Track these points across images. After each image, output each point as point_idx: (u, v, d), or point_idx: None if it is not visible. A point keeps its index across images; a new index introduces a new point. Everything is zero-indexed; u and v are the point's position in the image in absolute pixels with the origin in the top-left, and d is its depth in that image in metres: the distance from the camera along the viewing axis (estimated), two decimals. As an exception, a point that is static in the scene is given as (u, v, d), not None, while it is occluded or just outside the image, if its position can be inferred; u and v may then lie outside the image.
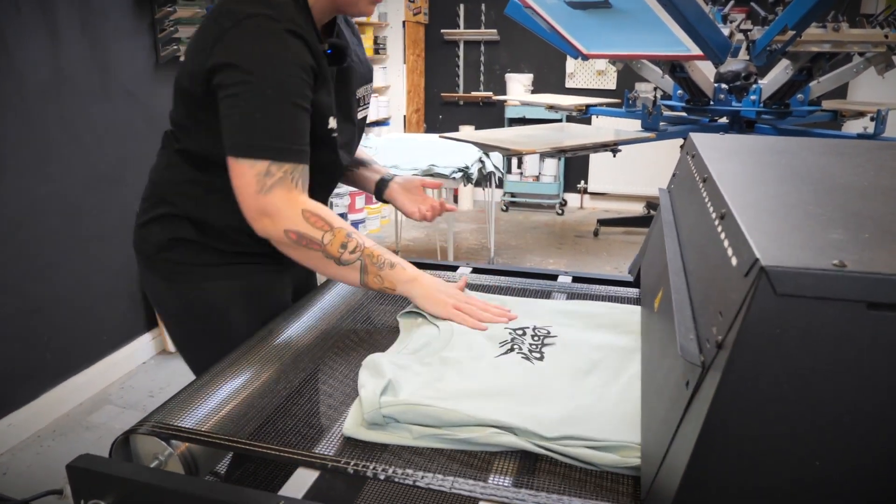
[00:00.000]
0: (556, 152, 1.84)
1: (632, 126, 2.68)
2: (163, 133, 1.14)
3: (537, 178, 5.41)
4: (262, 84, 0.92)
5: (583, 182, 5.49)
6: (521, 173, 5.42)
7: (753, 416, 0.45)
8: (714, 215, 0.65)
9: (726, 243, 0.56)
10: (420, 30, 5.45)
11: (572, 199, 5.59)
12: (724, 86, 2.38)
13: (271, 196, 0.93)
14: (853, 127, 3.07)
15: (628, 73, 5.00)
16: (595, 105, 3.26)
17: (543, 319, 0.90)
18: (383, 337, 0.96)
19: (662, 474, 0.52)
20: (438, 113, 5.60)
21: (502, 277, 1.22)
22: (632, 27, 2.02)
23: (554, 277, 1.22)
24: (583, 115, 3.32)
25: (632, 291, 1.14)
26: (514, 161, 5.39)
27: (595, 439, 0.61)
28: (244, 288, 1.13)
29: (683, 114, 2.61)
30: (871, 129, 2.09)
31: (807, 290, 0.44)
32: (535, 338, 0.84)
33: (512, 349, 0.80)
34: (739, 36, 1.96)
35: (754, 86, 2.37)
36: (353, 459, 0.64)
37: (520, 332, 0.86)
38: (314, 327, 0.99)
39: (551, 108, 3.48)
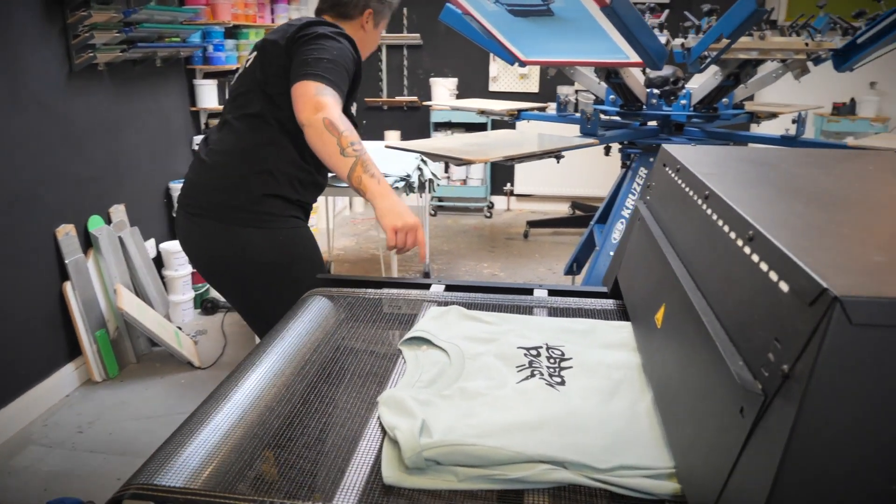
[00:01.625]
0: (507, 160, 1.84)
1: (558, 130, 2.73)
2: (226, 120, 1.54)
3: (464, 181, 5.43)
4: (334, 46, 1.41)
5: (509, 184, 5.56)
6: (448, 177, 5.43)
7: (835, 448, 0.44)
8: (734, 236, 0.65)
9: (765, 267, 0.56)
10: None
11: (499, 201, 5.65)
12: (655, 91, 2.45)
13: (324, 96, 1.33)
14: (769, 128, 3.25)
15: (553, 76, 5.10)
16: (527, 110, 3.29)
17: (553, 338, 0.89)
18: (367, 365, 0.92)
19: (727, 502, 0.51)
20: (362, 118, 5.52)
21: (477, 294, 1.20)
22: (572, 35, 2.05)
23: (530, 292, 1.21)
24: (514, 119, 3.35)
25: (608, 303, 1.14)
26: (441, 165, 5.39)
27: (647, 467, 0.60)
28: (305, 229, 1.57)
29: (616, 118, 2.68)
30: (792, 131, 2.20)
31: (881, 318, 0.44)
32: (551, 360, 0.82)
33: (532, 374, 0.78)
34: (675, 43, 2.02)
35: (684, 90, 2.46)
36: (381, 509, 0.60)
37: (534, 352, 0.84)
38: (292, 360, 0.94)
39: (482, 112, 3.49)
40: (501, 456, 0.60)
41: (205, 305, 3.33)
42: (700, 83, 2.44)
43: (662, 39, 1.98)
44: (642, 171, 2.65)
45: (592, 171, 5.17)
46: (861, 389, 0.44)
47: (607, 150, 3.22)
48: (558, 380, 0.76)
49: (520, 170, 5.44)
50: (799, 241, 0.56)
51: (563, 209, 5.49)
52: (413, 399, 0.70)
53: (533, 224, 4.85)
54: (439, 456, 0.60)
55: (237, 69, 1.70)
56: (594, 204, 5.24)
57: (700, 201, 0.79)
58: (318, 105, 1.31)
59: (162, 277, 3.16)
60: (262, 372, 0.88)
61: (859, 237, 0.58)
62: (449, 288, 1.24)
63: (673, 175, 0.96)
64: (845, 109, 4.41)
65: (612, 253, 2.67)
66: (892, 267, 0.51)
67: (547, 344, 0.86)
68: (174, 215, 2.99)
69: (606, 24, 1.85)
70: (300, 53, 1.40)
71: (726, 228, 0.68)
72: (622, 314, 1.07)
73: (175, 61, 3.25)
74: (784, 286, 0.52)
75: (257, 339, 2.20)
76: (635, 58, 1.99)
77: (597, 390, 0.74)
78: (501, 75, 5.33)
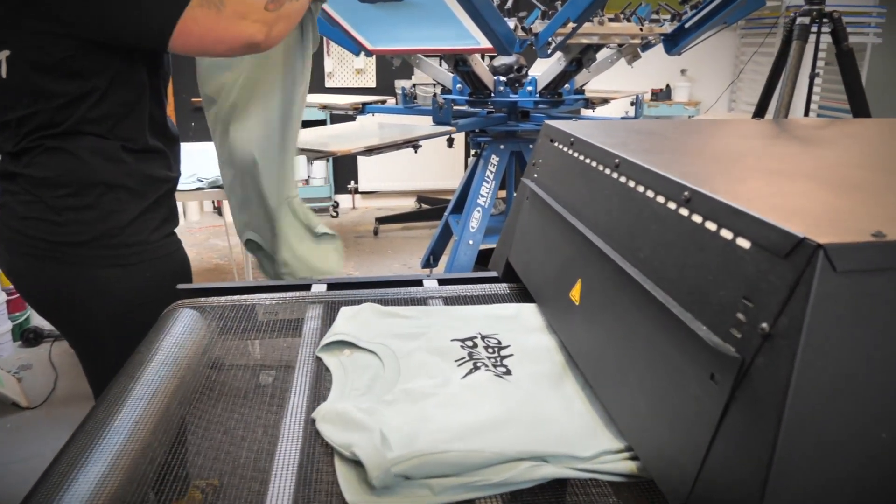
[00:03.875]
0: (367, 151, 1.76)
1: (403, 122, 2.70)
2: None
3: (307, 181, 5.25)
4: None
5: (353, 182, 5.45)
6: (290, 178, 5.21)
7: (833, 404, 0.42)
8: (663, 200, 0.63)
9: (712, 226, 0.54)
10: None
11: (344, 200, 5.53)
12: (502, 78, 2.49)
13: (227, 8, 0.97)
14: (604, 112, 3.44)
15: (387, 71, 5.07)
16: (371, 103, 3.22)
17: (485, 326, 0.82)
18: (260, 379, 0.81)
19: (711, 475, 0.48)
20: (190, 120, 5.14)
21: (363, 291, 1.11)
22: (422, 21, 2.01)
23: (419, 283, 1.15)
24: (357, 113, 3.27)
25: (502, 287, 1.11)
26: (281, 166, 5.16)
27: (629, 448, 0.57)
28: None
29: (465, 107, 2.69)
30: (631, 113, 2.33)
31: (863, 263, 0.42)
32: (490, 349, 0.76)
33: (476, 366, 0.71)
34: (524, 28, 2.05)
35: (528, 77, 2.52)
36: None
37: (469, 343, 0.77)
38: (168, 383, 0.80)
39: (324, 108, 3.38)
40: (480, 459, 0.53)
41: (26, 336, 2.90)
42: (542, 70, 2.51)
43: (511, 24, 2.00)
44: (493, 159, 2.69)
45: (436, 164, 5.21)
46: (850, 339, 0.43)
47: (450, 142, 3.23)
48: (503, 369, 0.71)
49: (363, 167, 5.35)
50: (740, 196, 0.54)
51: (409, 204, 5.48)
52: (357, 410, 0.61)
53: (382, 220, 4.79)
54: (410, 469, 0.52)
55: None
56: (440, 196, 5.29)
57: (609, 171, 0.77)
58: (238, 14, 0.99)
59: (-36, 310, 2.71)
60: (135, 401, 0.74)
61: (792, 190, 0.58)
62: (331, 287, 1.14)
63: (565, 149, 0.94)
64: (662, 95, 4.81)
65: (471, 241, 2.69)
66: (849, 213, 0.50)
67: (480, 333, 0.80)
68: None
69: (457, 9, 1.83)
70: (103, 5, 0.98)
71: (650, 194, 0.66)
72: (521, 297, 1.04)
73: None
74: (743, 243, 0.50)
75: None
76: (486, 43, 1.99)
77: (546, 376, 0.70)
78: (337, 71, 5.20)
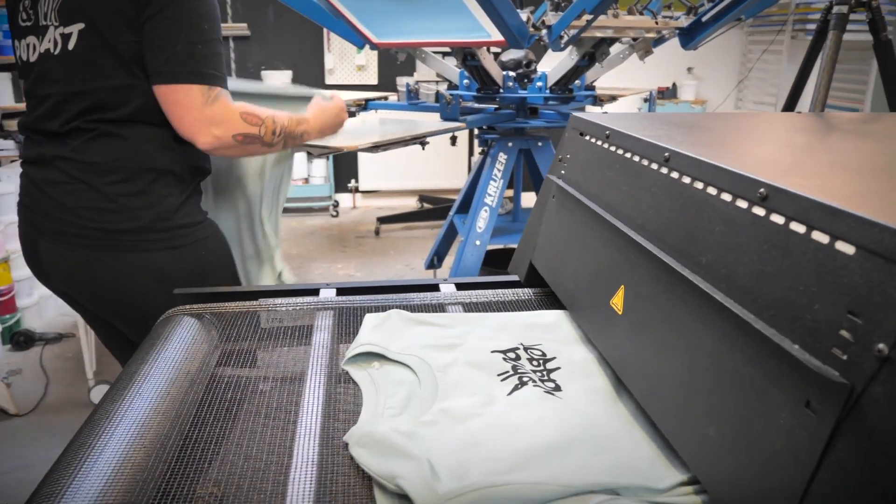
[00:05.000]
0: (373, 147, 1.69)
1: (400, 118, 2.64)
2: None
3: (306, 180, 5.17)
4: (198, 11, 1.07)
5: (353, 181, 5.38)
6: (289, 176, 5.13)
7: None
8: (730, 198, 0.55)
9: (800, 229, 0.46)
10: None
11: (344, 199, 5.45)
12: (511, 74, 2.41)
13: (217, 106, 1.08)
14: (613, 109, 3.37)
15: (388, 68, 4.99)
16: (374, 100, 3.14)
17: (525, 336, 0.75)
18: (272, 395, 0.73)
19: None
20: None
21: (376, 296, 1.04)
22: (431, 13, 1.94)
23: (436, 288, 1.07)
24: (360, 109, 3.20)
25: (526, 292, 1.04)
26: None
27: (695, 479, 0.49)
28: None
29: (473, 104, 2.61)
30: (645, 109, 2.26)
31: None
32: (534, 362, 0.68)
33: (522, 382, 0.63)
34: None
35: (538, 73, 2.44)
36: None
37: (512, 355, 0.69)
38: (167, 397, 0.72)
39: (326, 104, 3.30)
40: (545, 493, 0.46)
41: (16, 339, 2.82)
42: (552, 65, 2.44)
43: (523, 17, 1.92)
44: (502, 157, 2.61)
45: (438, 162, 5.13)
46: None
47: (454, 140, 3.16)
48: (551, 384, 0.63)
49: (364, 165, 5.27)
50: (831, 194, 0.47)
51: (411, 203, 5.40)
52: (397, 433, 0.53)
53: (383, 220, 4.72)
54: None
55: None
56: (443, 196, 5.21)
57: (656, 166, 0.70)
58: (214, 120, 1.08)
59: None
60: (135, 415, 0.66)
61: (885, 188, 0.51)
62: (341, 292, 1.07)
63: (599, 143, 0.87)
64: (669, 93, 4.74)
65: (478, 242, 2.61)
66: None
67: (522, 344, 0.72)
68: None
69: (469, 1, 1.76)
70: (158, 38, 1.06)
71: (711, 191, 0.59)
72: (549, 303, 0.97)
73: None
74: (846, 247, 0.42)
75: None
76: (497, 36, 1.92)
77: (599, 392, 0.62)
78: (338, 67, 5.13)
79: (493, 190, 2.60)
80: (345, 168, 5.31)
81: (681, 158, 0.65)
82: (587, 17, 1.78)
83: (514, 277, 1.09)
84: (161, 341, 0.85)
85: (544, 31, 1.96)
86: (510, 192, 3.21)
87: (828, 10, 1.97)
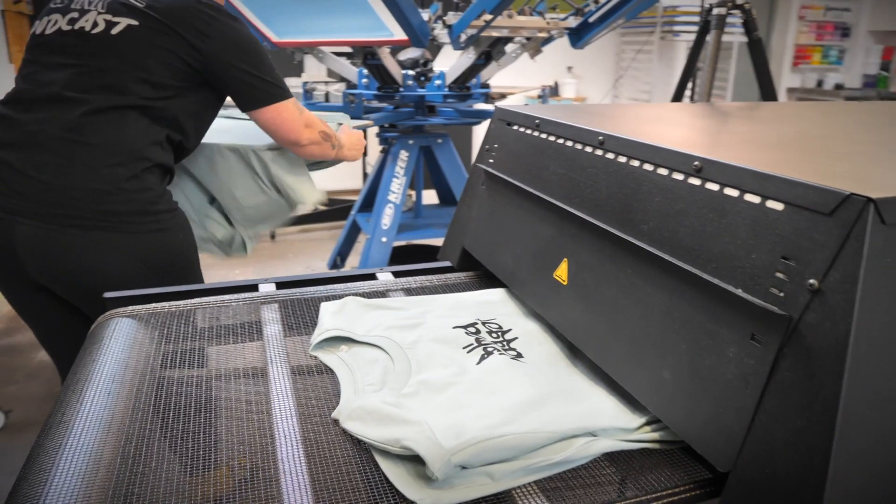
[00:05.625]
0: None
1: None
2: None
3: (193, 185, 4.97)
4: (255, 46, 1.25)
5: (243, 185, 5.22)
6: (175, 183, 4.92)
7: (889, 354, 0.44)
8: (666, 172, 0.63)
9: (733, 193, 0.55)
10: (25, 22, 4.48)
11: (234, 204, 5.28)
12: (410, 72, 2.46)
13: (305, 112, 1.35)
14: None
15: (280, 68, 4.86)
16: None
17: (479, 312, 0.80)
18: (233, 391, 0.74)
19: (761, 436, 0.48)
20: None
21: (317, 287, 1.05)
22: (333, 11, 1.95)
23: (373, 276, 1.10)
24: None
25: (461, 276, 1.09)
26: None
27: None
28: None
29: (374, 102, 2.64)
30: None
31: (907, 216, 0.44)
32: (494, 334, 0.73)
33: (488, 352, 0.68)
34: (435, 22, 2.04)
35: (437, 71, 2.51)
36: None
37: (472, 329, 0.74)
38: (124, 400, 0.71)
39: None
40: (537, 440, 0.51)
41: None
42: (449, 64, 2.52)
43: (425, 16, 1.98)
44: (403, 154, 2.66)
45: (331, 163, 5.08)
46: (899, 289, 0.44)
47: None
48: (513, 353, 0.68)
49: (254, 168, 5.13)
50: (756, 164, 0.55)
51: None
52: (387, 405, 0.57)
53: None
54: (469, 458, 0.49)
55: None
56: (338, 197, 5.18)
57: (590, 149, 0.77)
58: (308, 123, 1.34)
59: None
60: (93, 423, 0.65)
61: (793, 157, 0.60)
62: (281, 285, 1.08)
63: (529, 131, 0.94)
64: (552, 91, 4.97)
65: (384, 239, 2.65)
66: (867, 175, 0.53)
67: (479, 319, 0.77)
68: None
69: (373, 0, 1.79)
70: (239, 71, 1.23)
71: (647, 167, 0.66)
72: (484, 284, 1.03)
73: None
74: (775, 205, 0.51)
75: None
76: (401, 35, 1.96)
77: (557, 356, 0.68)
78: (221, 69, 4.96)
79: (397, 187, 2.65)
80: (234, 172, 5.15)
81: (615, 140, 0.73)
82: (486, 16, 1.86)
83: (447, 263, 1.14)
84: (102, 346, 0.83)
85: (443, 30, 2.03)
86: (411, 191, 3.26)
87: (708, 11, 2.18)
